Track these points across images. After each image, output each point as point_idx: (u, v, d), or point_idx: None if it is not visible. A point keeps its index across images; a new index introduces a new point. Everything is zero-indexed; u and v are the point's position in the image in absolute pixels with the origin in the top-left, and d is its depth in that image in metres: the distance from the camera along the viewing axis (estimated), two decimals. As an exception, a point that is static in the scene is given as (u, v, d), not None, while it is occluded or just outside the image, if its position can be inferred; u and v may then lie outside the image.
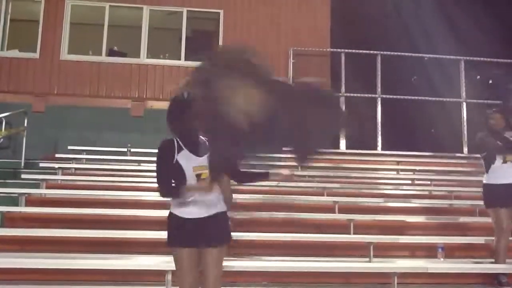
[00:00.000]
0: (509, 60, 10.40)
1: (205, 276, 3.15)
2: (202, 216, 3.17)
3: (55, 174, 7.38)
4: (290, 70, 9.98)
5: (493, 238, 5.36)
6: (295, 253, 5.52)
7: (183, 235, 3.15)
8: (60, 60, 10.13)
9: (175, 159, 3.15)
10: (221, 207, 3.26)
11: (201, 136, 3.25)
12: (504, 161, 5.21)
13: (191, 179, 3.15)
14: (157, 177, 3.21)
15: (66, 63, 10.12)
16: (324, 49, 10.27)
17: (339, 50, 10.16)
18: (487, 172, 5.30)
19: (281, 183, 6.84)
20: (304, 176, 7.80)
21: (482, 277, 5.27)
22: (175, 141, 3.19)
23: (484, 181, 5.34)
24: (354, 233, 5.82)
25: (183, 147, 3.17)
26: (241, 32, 10.38)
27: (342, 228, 5.89)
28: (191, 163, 3.16)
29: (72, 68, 10.08)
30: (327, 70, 10.21)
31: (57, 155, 8.31)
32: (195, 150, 3.18)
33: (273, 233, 5.54)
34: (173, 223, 3.21)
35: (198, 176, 3.15)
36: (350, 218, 5.92)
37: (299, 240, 5.60)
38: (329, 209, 6.40)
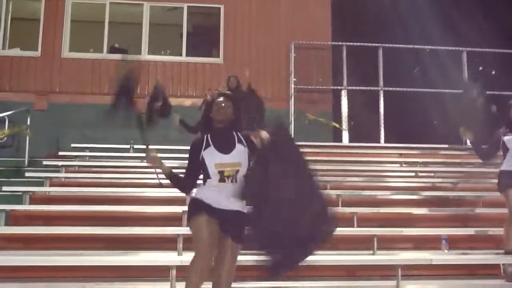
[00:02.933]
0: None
1: (222, 264, 3.18)
2: (227, 208, 3.22)
3: (58, 172, 7.40)
4: (292, 64, 9.97)
5: (497, 228, 5.36)
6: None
7: (208, 207, 3.21)
8: (62, 58, 10.15)
9: (201, 155, 3.25)
10: (243, 207, 3.27)
11: (235, 133, 3.33)
12: None
13: (213, 176, 3.23)
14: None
15: (68, 61, 10.14)
16: (325, 43, 10.23)
17: (340, 43, 10.13)
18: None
19: None
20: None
21: (486, 268, 5.27)
22: (205, 138, 3.30)
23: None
24: (358, 226, 5.82)
25: (211, 144, 3.26)
26: (242, 27, 10.37)
27: (345, 221, 5.87)
28: (214, 160, 3.22)
29: (73, 65, 10.09)
30: (329, 64, 10.19)
31: (60, 153, 8.33)
32: (221, 147, 3.24)
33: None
34: (199, 204, 3.25)
35: (220, 173, 3.21)
36: (353, 211, 5.91)
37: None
38: (332, 202, 6.37)
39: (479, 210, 6.36)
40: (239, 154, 3.26)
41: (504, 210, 5.22)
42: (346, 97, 9.97)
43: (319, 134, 9.52)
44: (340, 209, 6.17)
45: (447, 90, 10.34)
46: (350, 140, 9.76)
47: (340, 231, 5.55)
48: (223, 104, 3.32)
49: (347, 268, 4.99)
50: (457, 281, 4.95)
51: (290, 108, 9.72)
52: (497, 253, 5.32)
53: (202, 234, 3.14)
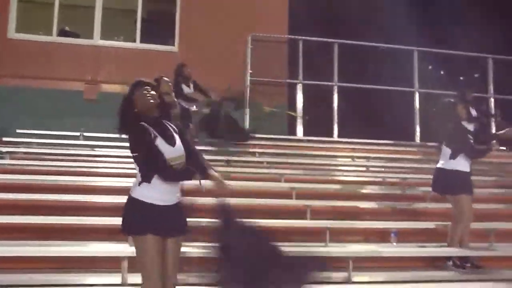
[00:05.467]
0: (464, 53, 10.75)
1: (167, 264, 3.08)
2: (170, 203, 3.07)
3: (2, 158, 7.05)
4: (248, 56, 9.93)
5: (444, 223, 5.58)
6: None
7: (152, 221, 2.99)
8: (7, 39, 9.64)
9: (156, 147, 3.01)
10: (181, 195, 3.18)
11: (169, 123, 3.17)
12: None
13: None
14: (149, 159, 3.01)
15: (14, 42, 9.64)
16: (282, 36, 10.25)
17: (296, 37, 10.19)
18: (454, 158, 5.43)
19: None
20: (262, 162, 7.82)
21: (433, 260, 5.47)
22: (149, 127, 3.04)
23: (450, 167, 5.46)
24: (311, 219, 5.89)
25: (157, 134, 3.04)
26: (198, 15, 10.18)
27: (299, 213, 5.94)
28: (166, 153, 3.03)
29: (20, 47, 9.61)
30: (285, 57, 10.23)
31: (4, 139, 7.93)
32: (166, 139, 3.06)
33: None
34: (138, 209, 3.02)
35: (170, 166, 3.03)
36: (307, 204, 5.97)
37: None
38: (286, 195, 6.43)
39: (427, 205, 6.57)
40: (181, 146, 3.12)
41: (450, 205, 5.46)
42: (301, 91, 10.05)
43: (274, 127, 9.55)
44: (294, 202, 6.24)
45: (399, 88, 10.68)
46: (305, 134, 9.85)
47: (293, 223, 5.68)
48: (145, 93, 3.07)
49: (301, 260, 5.02)
50: (405, 273, 5.10)
51: (245, 99, 9.68)
52: (443, 246, 5.54)
53: (147, 257, 2.99)
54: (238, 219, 3.20)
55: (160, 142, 3.03)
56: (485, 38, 10.96)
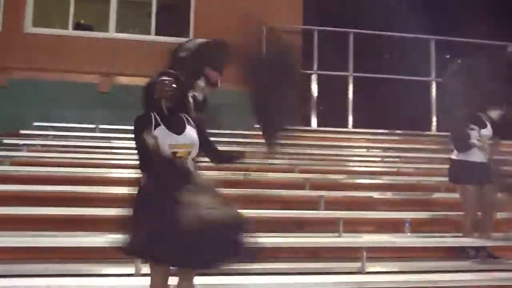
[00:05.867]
0: (480, 40, 10.53)
1: None
2: None
3: (20, 151, 7.17)
4: (264, 48, 9.85)
5: (458, 213, 5.54)
6: (267, 229, 5.52)
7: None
8: (24, 33, 9.76)
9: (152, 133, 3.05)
10: None
11: (184, 114, 3.21)
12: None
13: None
14: (140, 148, 3.07)
15: (31, 36, 9.76)
16: (296, 26, 10.18)
17: (311, 27, 10.10)
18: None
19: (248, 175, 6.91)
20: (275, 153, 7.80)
21: (447, 250, 5.44)
22: (153, 116, 3.11)
23: (455, 157, 5.46)
24: (325, 209, 5.89)
25: (160, 123, 3.09)
26: (212, 6, 10.16)
27: (312, 204, 5.94)
28: (167, 140, 3.07)
29: (37, 41, 9.72)
30: (300, 48, 10.15)
31: (21, 131, 8.06)
32: (173, 127, 3.10)
33: (246, 209, 5.53)
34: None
35: (173, 154, 3.07)
36: (320, 195, 5.97)
37: (271, 216, 5.62)
38: (300, 185, 6.44)
39: (441, 195, 6.52)
40: (191, 135, 3.14)
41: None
42: (316, 82, 10.00)
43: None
44: (307, 193, 6.25)
45: (414, 78, 10.53)
46: (319, 125, 9.81)
47: (307, 213, 5.70)
48: (167, 83, 3.14)
49: (314, 250, 5.05)
50: (419, 263, 5.09)
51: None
52: (456, 236, 5.51)
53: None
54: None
55: (161, 130, 3.07)
56: (506, 26, 10.73)
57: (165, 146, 3.05)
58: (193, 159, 3.18)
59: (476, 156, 5.39)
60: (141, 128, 3.04)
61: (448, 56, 10.92)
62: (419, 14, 11.23)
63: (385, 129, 9.59)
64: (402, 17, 11.13)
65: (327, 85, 10.26)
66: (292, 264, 4.79)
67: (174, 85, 3.16)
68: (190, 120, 3.23)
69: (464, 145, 5.39)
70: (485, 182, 5.37)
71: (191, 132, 3.17)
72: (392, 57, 11.34)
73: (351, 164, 7.82)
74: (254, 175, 6.55)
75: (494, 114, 5.54)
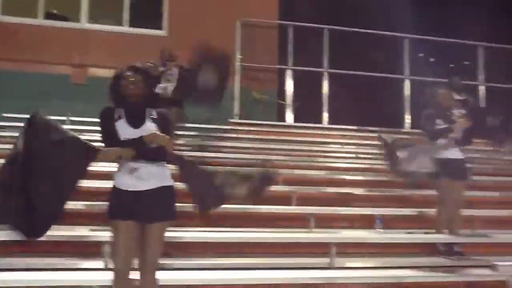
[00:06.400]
0: (453, 40, 10.68)
1: (143, 252, 3.09)
2: (142, 189, 3.07)
3: (-12, 142, 6.96)
4: (238, 41, 9.80)
5: (431, 209, 5.59)
6: (238, 224, 5.50)
7: (121, 207, 3.08)
8: (-9, 21, 9.49)
9: (114, 127, 3.09)
10: (167, 181, 3.17)
11: (150, 108, 3.18)
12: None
13: None
14: (105, 140, 3.17)
15: (0, 25, 9.49)
16: (272, 21, 10.14)
17: (286, 22, 10.07)
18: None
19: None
20: (249, 148, 7.78)
21: (419, 246, 5.49)
22: (116, 110, 3.13)
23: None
24: (297, 205, 5.88)
25: (122, 116, 3.10)
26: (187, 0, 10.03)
27: (285, 200, 5.93)
28: (124, 134, 3.07)
29: (7, 30, 9.45)
30: (275, 43, 10.14)
31: (-10, 122, 7.84)
32: (133, 120, 3.09)
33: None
34: (114, 195, 3.14)
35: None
36: (293, 190, 5.96)
37: (243, 211, 5.58)
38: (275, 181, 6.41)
39: (414, 191, 6.57)
40: (148, 130, 3.09)
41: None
42: (291, 77, 9.98)
43: (264, 113, 9.51)
44: (280, 188, 6.22)
45: (389, 75, 10.63)
46: (295, 121, 9.81)
47: (279, 209, 5.68)
48: (131, 79, 3.11)
49: (284, 245, 5.03)
50: (389, 258, 5.11)
51: (235, 85, 9.60)
52: (428, 233, 5.56)
53: (116, 242, 3.11)
54: None
55: (121, 124, 3.09)
56: (476, 26, 10.90)
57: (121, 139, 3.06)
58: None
59: (450, 152, 5.44)
60: (103, 122, 3.11)
61: (421, 55, 11.07)
62: (394, 13, 11.32)
63: (360, 125, 9.63)
64: (378, 15, 11.22)
65: (303, 81, 10.27)
66: (262, 259, 4.76)
67: (139, 80, 3.12)
68: (154, 115, 3.17)
69: (434, 132, 5.45)
70: (458, 178, 5.43)
71: (150, 127, 3.12)
72: (367, 54, 11.39)
73: (325, 160, 7.82)
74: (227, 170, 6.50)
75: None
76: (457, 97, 7.89)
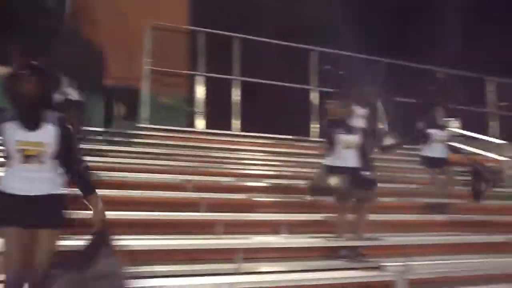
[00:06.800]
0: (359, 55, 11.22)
1: (33, 259, 2.93)
2: (31, 194, 2.92)
3: None
4: (148, 45, 9.55)
5: (334, 214, 5.83)
6: (145, 231, 5.35)
7: (10, 212, 2.90)
8: None
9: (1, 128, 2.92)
10: (56, 188, 3.02)
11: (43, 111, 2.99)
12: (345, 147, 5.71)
13: (14, 155, 2.91)
14: None
15: None
16: (184, 27, 10.05)
17: (197, 28, 10.03)
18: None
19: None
20: (158, 154, 7.62)
21: (324, 250, 5.69)
22: (9, 110, 2.96)
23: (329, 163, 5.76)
24: (206, 211, 5.84)
25: (15, 118, 2.92)
26: (96, 1, 9.64)
27: (193, 206, 5.87)
28: (15, 136, 2.89)
29: None
30: (186, 48, 10.06)
31: None
32: (27, 123, 2.91)
33: (126, 211, 5.34)
34: (3, 205, 2.96)
35: (21, 151, 2.90)
36: (201, 197, 5.92)
37: (150, 218, 5.46)
38: (181, 187, 6.34)
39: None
40: (46, 134, 2.96)
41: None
42: (202, 84, 9.94)
43: (173, 118, 9.38)
44: (188, 194, 6.16)
45: (297, 85, 10.93)
46: (205, 127, 9.76)
47: (186, 216, 5.61)
48: (25, 78, 2.95)
49: (191, 252, 4.97)
50: (294, 262, 5.25)
51: (144, 89, 9.36)
52: (331, 237, 5.78)
53: (5, 249, 2.93)
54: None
55: (12, 125, 2.91)
56: (382, 41, 11.56)
57: (11, 142, 2.89)
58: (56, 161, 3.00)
59: (348, 161, 5.72)
60: None
61: (328, 67, 11.53)
62: (305, 26, 11.71)
63: (269, 133, 9.82)
64: (291, 26, 11.55)
65: (214, 88, 10.27)
66: (169, 266, 4.68)
67: (35, 79, 2.95)
68: (52, 119, 3.01)
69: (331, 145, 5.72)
70: (357, 186, 5.71)
71: (48, 131, 2.97)
72: (278, 64, 11.67)
73: (235, 167, 7.86)
74: (134, 176, 6.33)
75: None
76: (358, 108, 8.40)
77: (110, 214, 5.07)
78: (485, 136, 11.27)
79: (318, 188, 5.87)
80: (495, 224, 7.31)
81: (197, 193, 6.11)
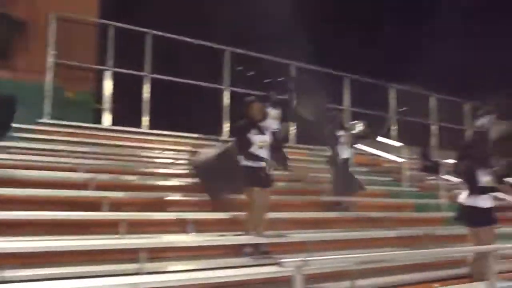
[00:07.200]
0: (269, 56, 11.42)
1: None
2: None
3: None
4: (51, 36, 9.04)
5: (242, 213, 5.90)
6: (46, 232, 5.07)
7: None
8: None
9: None
10: None
11: None
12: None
13: None
14: None
15: None
16: (93, 19, 9.64)
17: (106, 21, 9.66)
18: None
19: None
20: (60, 151, 7.25)
21: (231, 248, 5.75)
22: None
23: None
24: (111, 211, 5.66)
25: None
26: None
27: (97, 205, 5.67)
28: None
29: None
30: (95, 42, 9.66)
31: None
32: None
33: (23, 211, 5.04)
34: None
35: None
36: (105, 195, 5.73)
37: (51, 218, 5.20)
38: (84, 186, 6.09)
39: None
40: None
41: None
42: (110, 79, 9.58)
43: (79, 113, 8.96)
44: (92, 193, 5.94)
45: (209, 84, 10.90)
46: (113, 124, 9.43)
47: (88, 215, 5.39)
48: None
49: (93, 252, 4.79)
50: (201, 261, 5.26)
51: (47, 82, 8.85)
52: (237, 235, 5.84)
53: None
54: None
55: None
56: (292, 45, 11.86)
57: None
58: None
59: (256, 162, 5.82)
60: None
61: (240, 68, 11.66)
62: (218, 25, 11.75)
63: (180, 132, 9.71)
64: (202, 25, 11.52)
65: (124, 83, 9.96)
66: (70, 268, 4.50)
67: None
68: None
69: (245, 148, 5.78)
70: (265, 185, 5.84)
71: None
72: (191, 63, 11.56)
73: (143, 165, 7.68)
74: (35, 174, 5.98)
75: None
76: (271, 110, 8.62)
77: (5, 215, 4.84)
78: (387, 139, 12.02)
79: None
80: (394, 221, 7.81)
81: (99, 191, 5.89)
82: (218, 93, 10.80)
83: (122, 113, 9.87)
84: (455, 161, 6.61)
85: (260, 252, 5.70)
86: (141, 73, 9.92)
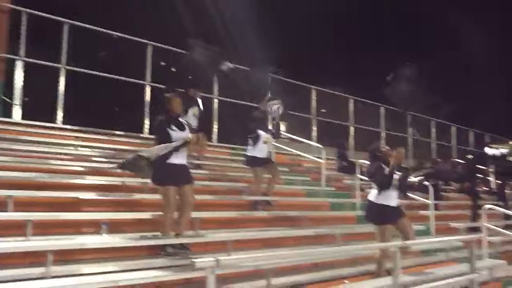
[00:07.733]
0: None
1: None
2: None
3: None
4: None
5: (159, 213, 5.77)
6: None
7: None
8: None
9: None
10: None
11: None
12: None
13: None
14: None
15: None
16: (2, 4, 8.94)
17: (20, 8, 9.02)
18: None
19: None
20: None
21: (148, 249, 5.62)
22: None
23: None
24: (15, 210, 5.31)
25: None
26: None
27: (2, 205, 5.29)
28: None
29: None
30: (5, 29, 8.99)
31: None
32: None
33: None
34: None
35: None
36: (10, 195, 5.36)
37: None
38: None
39: (144, 196, 6.68)
40: None
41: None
42: (22, 69, 8.95)
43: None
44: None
45: (130, 79, 10.54)
46: (23, 118, 8.83)
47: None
48: None
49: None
50: (115, 262, 5.09)
51: None
52: (156, 236, 5.72)
53: None
54: None
55: None
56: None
57: None
58: None
59: (176, 158, 5.73)
60: None
61: (163, 64, 11.41)
62: (142, 19, 11.45)
63: (97, 127, 9.30)
64: (125, 18, 11.17)
65: (37, 75, 9.37)
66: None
67: None
68: None
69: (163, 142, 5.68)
70: (183, 182, 5.75)
71: None
72: (111, 55, 11.17)
73: (55, 162, 7.27)
74: None
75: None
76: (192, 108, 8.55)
77: None
78: (307, 140, 12.34)
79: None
80: (309, 220, 8.02)
81: (6, 190, 5.50)
82: (140, 89, 10.47)
83: (34, 106, 9.28)
84: (368, 162, 6.97)
85: (179, 253, 5.61)
86: (56, 65, 9.36)
